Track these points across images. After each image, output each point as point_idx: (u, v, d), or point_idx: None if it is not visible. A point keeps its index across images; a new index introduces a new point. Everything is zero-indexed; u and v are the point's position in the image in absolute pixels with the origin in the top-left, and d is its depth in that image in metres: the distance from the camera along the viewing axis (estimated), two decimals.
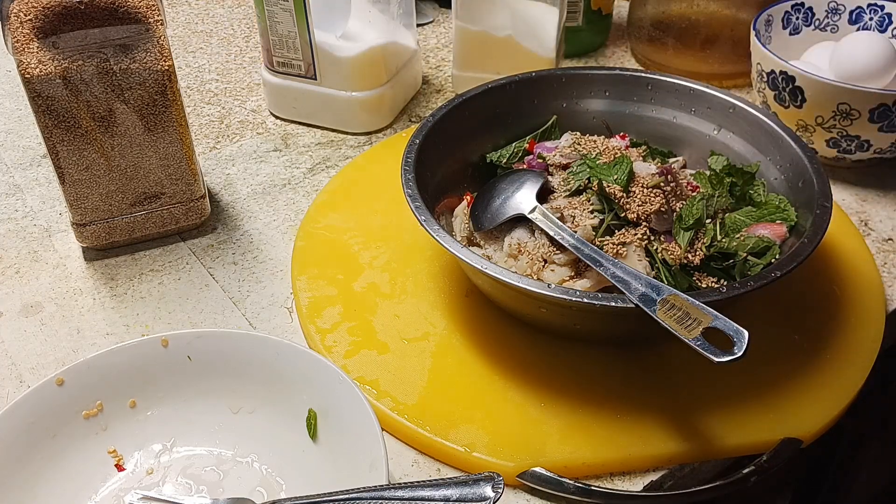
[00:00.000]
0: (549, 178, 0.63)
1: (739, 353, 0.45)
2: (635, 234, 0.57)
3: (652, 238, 0.58)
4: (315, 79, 0.81)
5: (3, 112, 0.89)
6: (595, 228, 0.58)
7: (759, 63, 0.76)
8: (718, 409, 0.55)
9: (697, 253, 0.58)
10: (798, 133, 0.70)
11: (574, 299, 0.50)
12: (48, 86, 0.59)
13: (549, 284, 0.52)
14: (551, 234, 0.57)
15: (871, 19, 0.82)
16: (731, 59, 0.88)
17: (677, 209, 0.60)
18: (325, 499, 0.45)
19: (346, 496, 0.45)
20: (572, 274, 0.57)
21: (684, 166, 0.68)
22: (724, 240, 0.59)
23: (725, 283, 0.57)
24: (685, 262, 0.57)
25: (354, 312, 0.62)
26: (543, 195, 0.61)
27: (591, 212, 0.59)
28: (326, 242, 0.68)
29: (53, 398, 0.51)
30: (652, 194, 0.59)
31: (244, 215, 0.73)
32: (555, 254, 0.57)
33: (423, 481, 0.46)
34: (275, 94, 0.84)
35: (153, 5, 0.61)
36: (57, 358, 0.60)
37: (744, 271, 0.57)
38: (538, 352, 0.58)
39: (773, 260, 0.57)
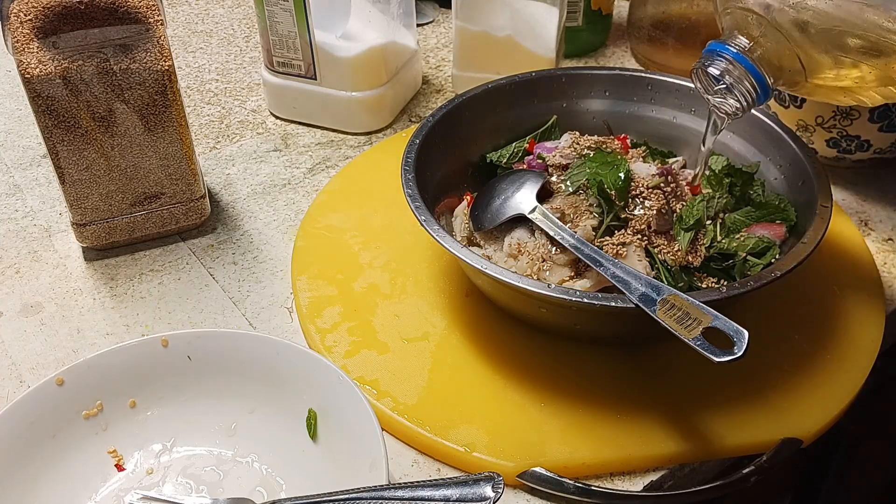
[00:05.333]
0: (549, 178, 0.63)
1: (739, 353, 0.45)
2: (635, 235, 0.57)
3: (652, 238, 0.58)
4: (315, 79, 0.81)
5: (3, 112, 0.89)
6: (595, 228, 0.58)
7: None
8: (718, 409, 0.55)
9: (698, 254, 0.58)
10: (798, 133, 0.70)
11: (574, 299, 0.50)
12: (48, 86, 0.59)
13: (549, 284, 0.52)
14: (551, 234, 0.57)
15: None
16: None
17: (677, 210, 0.60)
18: (325, 499, 0.45)
19: (346, 496, 0.45)
20: (572, 274, 0.57)
21: (684, 166, 0.69)
22: (723, 240, 0.59)
23: (725, 283, 0.57)
24: (685, 263, 0.57)
25: (354, 312, 0.62)
26: (543, 195, 0.61)
27: (591, 212, 0.59)
28: (326, 242, 0.69)
29: (53, 398, 0.51)
30: (652, 195, 0.59)
31: (244, 215, 0.73)
32: (555, 254, 0.57)
33: (423, 481, 0.46)
34: (275, 94, 0.84)
35: (153, 5, 0.61)
36: (57, 358, 0.60)
37: (743, 271, 0.57)
38: (538, 352, 0.58)
39: (773, 260, 0.57)
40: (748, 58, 0.55)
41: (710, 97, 0.58)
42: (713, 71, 0.56)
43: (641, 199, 0.59)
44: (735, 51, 0.55)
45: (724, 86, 0.56)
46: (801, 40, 0.52)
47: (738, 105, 0.57)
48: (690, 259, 0.57)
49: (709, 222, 0.60)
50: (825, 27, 0.51)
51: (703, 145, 0.63)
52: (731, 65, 0.56)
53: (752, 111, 0.65)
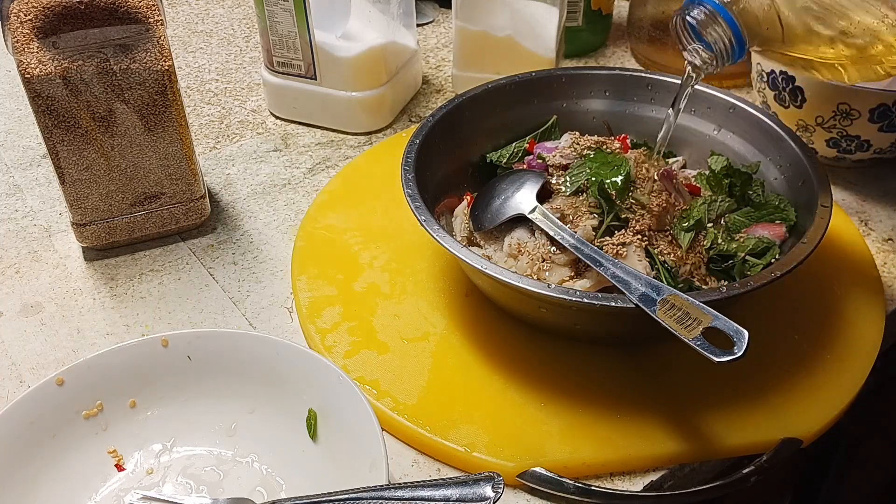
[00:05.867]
0: (549, 178, 0.63)
1: (739, 353, 0.45)
2: (635, 235, 0.57)
3: (652, 238, 0.58)
4: (315, 79, 0.81)
5: (3, 112, 0.89)
6: (595, 228, 0.58)
7: (758, 63, 0.76)
8: (718, 409, 0.55)
9: (697, 258, 0.58)
10: (798, 133, 0.70)
11: (574, 299, 0.50)
12: (48, 86, 0.59)
13: (549, 284, 0.52)
14: (551, 234, 0.57)
15: None
16: None
17: (677, 210, 0.60)
18: (325, 499, 0.45)
19: (346, 496, 0.45)
20: (572, 274, 0.57)
21: (684, 166, 0.69)
22: (723, 243, 0.59)
23: (725, 283, 0.57)
24: (684, 266, 0.57)
25: (354, 312, 0.62)
26: (543, 195, 0.61)
27: (591, 212, 0.59)
28: (326, 242, 0.68)
29: (53, 398, 0.51)
30: (654, 193, 0.59)
31: (244, 215, 0.73)
32: (555, 254, 0.57)
33: (423, 481, 0.46)
34: (275, 94, 0.84)
35: (153, 5, 0.61)
36: (57, 358, 0.60)
37: (743, 272, 0.57)
38: (538, 352, 0.58)
39: (772, 260, 0.57)
40: (728, 10, 0.55)
41: (685, 52, 0.58)
42: (691, 19, 0.56)
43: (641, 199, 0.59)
44: (717, 1, 0.55)
45: (702, 40, 0.56)
46: (785, 5, 0.52)
47: (712, 58, 0.57)
48: (690, 266, 0.57)
49: (710, 225, 0.60)
50: (809, 4, 0.52)
51: (672, 109, 0.63)
52: (710, 16, 0.56)
53: (752, 111, 0.65)
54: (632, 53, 0.97)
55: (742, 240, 0.59)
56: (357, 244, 0.68)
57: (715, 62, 0.57)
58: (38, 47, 0.58)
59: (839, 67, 0.54)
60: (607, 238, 0.57)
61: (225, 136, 0.84)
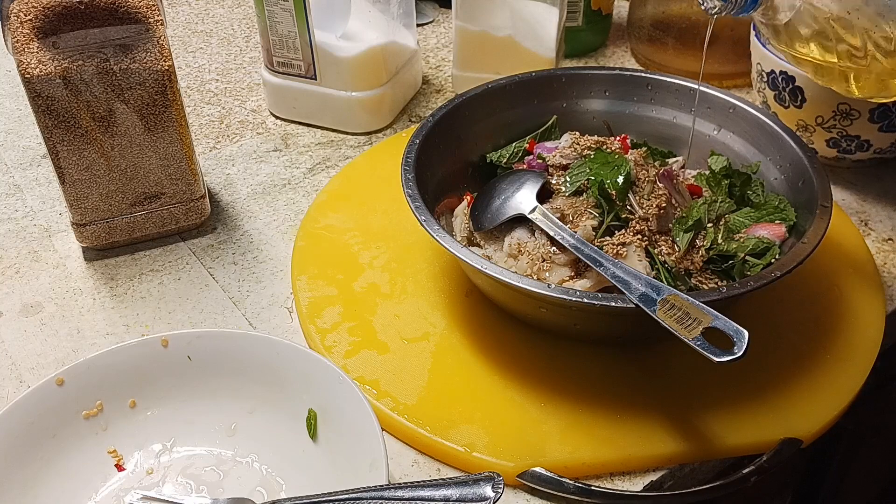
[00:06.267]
0: (549, 178, 0.63)
1: (739, 353, 0.45)
2: (635, 235, 0.57)
3: (652, 239, 0.58)
4: (315, 79, 0.81)
5: (3, 112, 0.89)
6: (595, 228, 0.58)
7: (759, 63, 0.76)
8: (718, 409, 0.55)
9: (697, 259, 0.58)
10: (798, 133, 0.70)
11: (574, 299, 0.50)
12: (48, 86, 0.59)
13: (549, 284, 0.52)
14: (551, 234, 0.57)
15: None
16: (731, 59, 0.88)
17: (677, 211, 0.60)
18: (325, 499, 0.45)
19: (346, 496, 0.45)
20: (572, 274, 0.57)
21: (684, 166, 0.69)
22: (723, 243, 0.59)
23: (725, 283, 0.57)
24: (684, 267, 0.57)
25: (354, 312, 0.62)
26: (543, 195, 0.61)
27: (591, 212, 0.59)
28: (326, 242, 0.68)
29: (53, 398, 0.51)
30: (654, 194, 0.59)
31: (244, 215, 0.73)
32: (555, 254, 0.57)
33: (423, 481, 0.46)
34: (275, 94, 0.84)
35: (153, 5, 0.61)
36: (57, 358, 0.60)
37: (743, 272, 0.57)
38: (538, 352, 0.58)
39: (772, 260, 0.57)
40: None
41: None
42: None
43: (642, 199, 0.59)
44: None
45: None
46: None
47: (724, 6, 0.58)
48: (689, 265, 0.57)
49: (710, 225, 0.60)
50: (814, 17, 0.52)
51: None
52: None
53: (752, 111, 0.65)
54: (632, 53, 0.97)
55: (742, 240, 0.59)
56: (357, 244, 0.68)
57: (727, 8, 0.58)
58: (38, 47, 0.58)
59: (845, 78, 0.54)
60: (607, 238, 0.57)
61: (225, 136, 0.84)
